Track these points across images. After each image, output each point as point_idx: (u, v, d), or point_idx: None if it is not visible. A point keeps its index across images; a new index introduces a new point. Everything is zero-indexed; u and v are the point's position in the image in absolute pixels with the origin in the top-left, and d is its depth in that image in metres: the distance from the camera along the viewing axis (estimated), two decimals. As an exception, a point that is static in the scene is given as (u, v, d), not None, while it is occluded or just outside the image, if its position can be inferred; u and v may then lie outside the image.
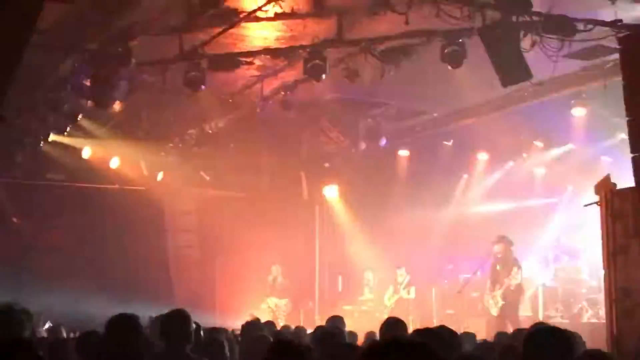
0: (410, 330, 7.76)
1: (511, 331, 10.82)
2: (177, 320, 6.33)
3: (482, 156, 19.59)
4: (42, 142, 16.82)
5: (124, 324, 5.80)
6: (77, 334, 9.18)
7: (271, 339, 7.18)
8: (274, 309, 19.58)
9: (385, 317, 17.60)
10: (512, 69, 11.17)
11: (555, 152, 18.71)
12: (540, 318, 16.52)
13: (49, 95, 14.70)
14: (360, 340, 9.34)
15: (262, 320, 11.46)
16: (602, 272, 11.70)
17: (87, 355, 6.52)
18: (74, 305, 16.60)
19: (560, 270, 17.67)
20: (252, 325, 9.86)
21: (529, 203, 19.39)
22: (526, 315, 16.86)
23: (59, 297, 16.91)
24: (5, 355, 4.14)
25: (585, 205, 12.09)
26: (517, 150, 19.19)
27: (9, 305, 6.32)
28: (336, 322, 9.69)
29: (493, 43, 10.98)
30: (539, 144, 18.69)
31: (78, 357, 6.79)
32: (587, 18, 11.04)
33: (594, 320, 15.60)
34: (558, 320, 15.93)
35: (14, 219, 19.56)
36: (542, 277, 17.88)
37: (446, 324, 7.13)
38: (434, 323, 14.80)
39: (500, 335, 9.40)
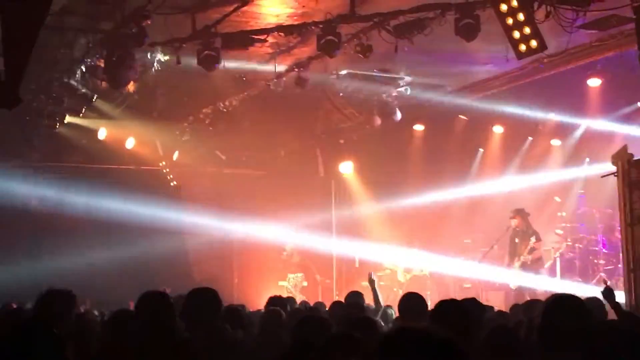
0: (429, 304, 7.81)
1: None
2: (206, 297, 6.38)
3: (498, 129, 19.49)
4: (58, 125, 16.87)
5: (156, 300, 5.85)
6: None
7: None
8: (292, 284, 19.68)
9: (402, 293, 17.80)
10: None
11: (571, 123, 18.59)
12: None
13: (64, 77, 14.73)
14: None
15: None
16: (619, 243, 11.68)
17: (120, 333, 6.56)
18: (92, 287, 16.70)
19: (578, 241, 17.63)
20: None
21: (545, 175, 19.31)
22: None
23: (76, 279, 16.98)
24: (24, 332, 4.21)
25: (603, 176, 12.08)
26: (533, 123, 19.07)
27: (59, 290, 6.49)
28: (355, 297, 9.74)
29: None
30: (554, 116, 18.56)
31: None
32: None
33: (612, 291, 15.56)
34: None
35: (32, 202, 19.63)
36: (559, 250, 17.84)
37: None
38: (451, 297, 14.81)
39: (516, 307, 9.42)
